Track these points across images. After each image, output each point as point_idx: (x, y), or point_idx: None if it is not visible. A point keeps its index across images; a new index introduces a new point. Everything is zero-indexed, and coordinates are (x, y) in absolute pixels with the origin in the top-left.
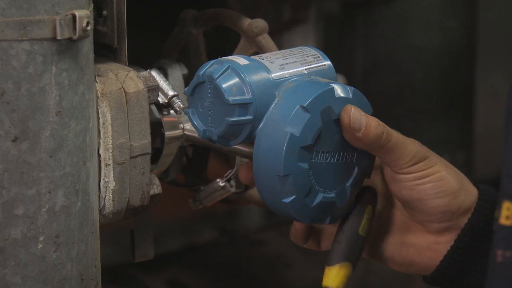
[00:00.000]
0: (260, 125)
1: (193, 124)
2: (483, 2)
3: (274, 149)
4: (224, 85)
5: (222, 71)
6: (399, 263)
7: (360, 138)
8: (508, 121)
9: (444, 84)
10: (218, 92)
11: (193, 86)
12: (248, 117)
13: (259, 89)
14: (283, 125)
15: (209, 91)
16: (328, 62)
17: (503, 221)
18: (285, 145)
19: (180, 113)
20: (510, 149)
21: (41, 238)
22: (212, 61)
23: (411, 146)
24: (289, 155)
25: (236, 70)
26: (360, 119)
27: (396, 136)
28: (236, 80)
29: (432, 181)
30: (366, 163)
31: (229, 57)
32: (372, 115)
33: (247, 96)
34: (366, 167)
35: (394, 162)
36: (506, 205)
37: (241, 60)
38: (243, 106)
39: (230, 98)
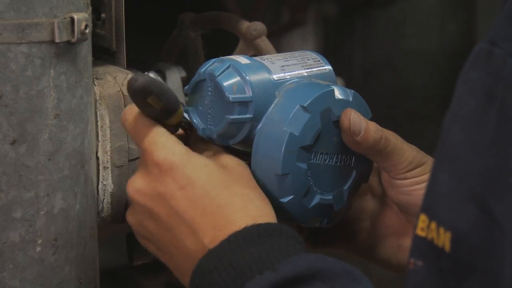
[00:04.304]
0: (260, 125)
1: (192, 122)
2: (482, 5)
3: (273, 148)
4: (225, 83)
5: (223, 69)
6: (395, 266)
7: (359, 142)
8: (441, 140)
9: (442, 87)
10: (218, 90)
11: (193, 84)
12: (248, 115)
13: (260, 88)
14: (282, 124)
15: (210, 89)
16: (329, 67)
17: (418, 231)
18: (284, 145)
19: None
20: (435, 164)
21: (39, 241)
22: (213, 59)
23: (409, 151)
24: (288, 155)
25: (237, 68)
26: (360, 123)
27: (394, 141)
28: (237, 78)
29: None
30: (364, 167)
31: (231, 56)
32: (371, 118)
33: (248, 95)
34: (364, 172)
35: (391, 167)
36: (422, 217)
37: (242, 59)
38: (243, 104)
39: (231, 96)
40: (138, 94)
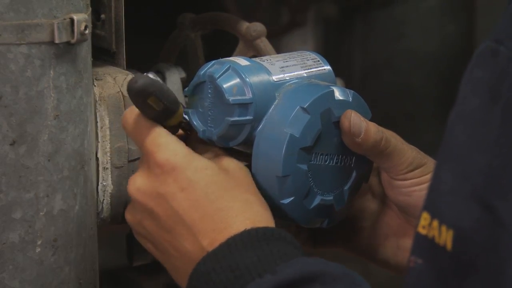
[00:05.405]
0: (260, 126)
1: (192, 124)
2: (481, 6)
3: (274, 150)
4: (225, 85)
5: (223, 71)
6: (394, 266)
7: (359, 143)
8: (445, 138)
9: (442, 87)
10: (218, 92)
11: (193, 86)
12: (248, 117)
13: (260, 90)
14: (283, 126)
15: (210, 91)
16: (328, 67)
17: (420, 229)
18: (284, 146)
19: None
20: (438, 163)
21: (39, 242)
22: (213, 61)
23: (409, 152)
24: (288, 156)
25: (237, 70)
26: (360, 124)
27: (394, 142)
28: (236, 80)
29: None
30: (365, 167)
31: (230, 58)
32: (370, 118)
33: (248, 96)
34: (364, 172)
35: (391, 168)
36: (424, 215)
37: (242, 61)
38: (243, 106)
39: (231, 98)
40: (138, 95)
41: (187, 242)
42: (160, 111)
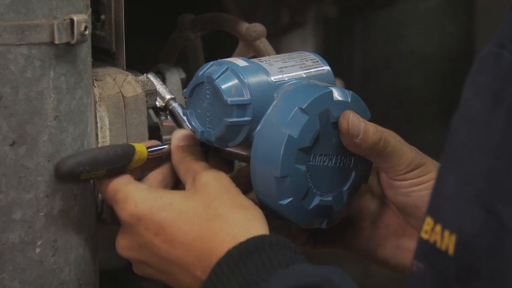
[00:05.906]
0: (258, 127)
1: (191, 125)
2: (481, 7)
3: (272, 150)
4: (223, 86)
5: (221, 72)
6: (394, 266)
7: (358, 144)
8: (448, 142)
9: (442, 88)
10: (217, 92)
11: (192, 87)
12: (246, 118)
13: (258, 90)
14: (281, 126)
15: (208, 92)
16: (327, 67)
17: (422, 234)
18: (283, 147)
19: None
20: (442, 166)
21: (38, 243)
22: (211, 62)
23: (408, 153)
24: (286, 157)
25: (235, 71)
26: (359, 125)
27: (393, 142)
28: (235, 81)
29: (428, 188)
30: (364, 168)
31: (229, 59)
32: (370, 119)
33: (246, 97)
34: (363, 172)
35: (390, 168)
36: (427, 220)
37: (240, 62)
38: (242, 107)
39: (229, 99)
40: (67, 179)
41: (183, 277)
42: (106, 173)
